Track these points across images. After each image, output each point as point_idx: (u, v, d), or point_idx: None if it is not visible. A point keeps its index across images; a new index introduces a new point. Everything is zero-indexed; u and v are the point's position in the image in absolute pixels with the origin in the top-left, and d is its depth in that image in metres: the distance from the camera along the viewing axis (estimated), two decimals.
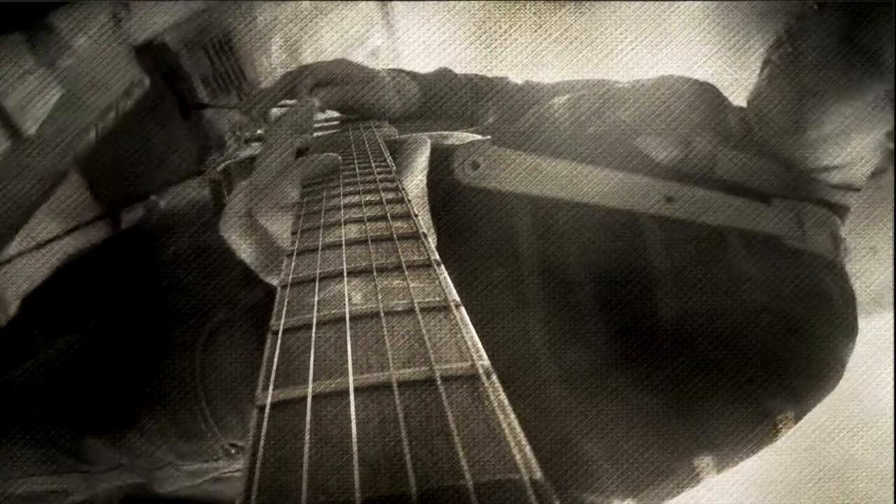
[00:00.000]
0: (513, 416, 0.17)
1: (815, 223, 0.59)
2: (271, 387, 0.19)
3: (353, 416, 0.17)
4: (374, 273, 0.26)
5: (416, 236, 0.30)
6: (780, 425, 0.52)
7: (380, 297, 0.24)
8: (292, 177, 0.40)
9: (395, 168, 0.43)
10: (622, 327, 0.54)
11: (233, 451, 0.70)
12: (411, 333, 0.21)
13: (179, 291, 0.72)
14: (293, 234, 0.33)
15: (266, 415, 0.18)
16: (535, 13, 1.63)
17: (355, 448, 0.16)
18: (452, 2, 1.60)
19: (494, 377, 0.19)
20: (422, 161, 0.44)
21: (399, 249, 0.28)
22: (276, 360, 0.21)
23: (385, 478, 0.15)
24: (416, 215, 0.32)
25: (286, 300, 0.25)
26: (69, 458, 0.69)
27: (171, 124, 1.36)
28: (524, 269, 0.57)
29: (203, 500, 0.80)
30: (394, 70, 0.77)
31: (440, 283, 0.25)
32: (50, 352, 0.73)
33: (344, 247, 0.29)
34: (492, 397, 0.18)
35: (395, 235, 0.30)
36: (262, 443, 0.17)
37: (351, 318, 0.23)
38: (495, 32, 1.62)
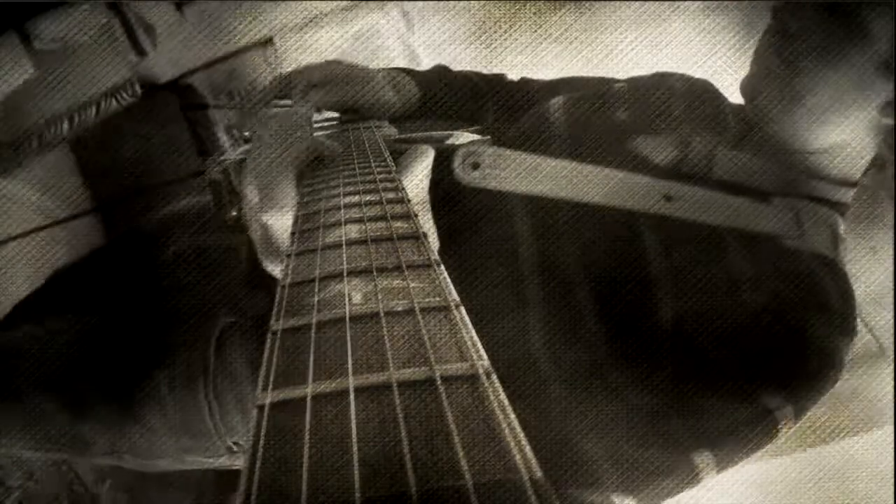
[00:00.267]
0: (513, 416, 0.17)
1: (815, 221, 0.59)
2: (271, 387, 0.19)
3: (353, 417, 0.17)
4: (374, 273, 0.26)
5: (416, 236, 0.30)
6: (780, 424, 0.52)
7: (380, 298, 0.24)
8: (287, 173, 0.40)
9: (395, 168, 0.43)
10: (621, 327, 0.54)
11: (235, 448, 0.70)
12: (411, 333, 0.21)
13: (180, 291, 0.72)
14: (292, 234, 0.33)
15: (266, 415, 0.18)
16: (535, 13, 1.63)
17: (355, 448, 0.16)
18: (452, 2, 1.60)
19: (494, 377, 0.19)
20: (423, 166, 0.44)
21: (399, 250, 0.28)
22: (275, 360, 0.21)
23: (385, 478, 0.15)
24: (415, 215, 0.32)
25: (286, 300, 0.25)
26: (65, 438, 0.69)
27: (170, 124, 1.36)
28: (524, 269, 0.57)
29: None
30: (392, 69, 0.77)
31: (440, 283, 0.25)
32: (40, 330, 0.73)
33: (344, 247, 0.29)
34: (492, 397, 0.18)
35: (394, 236, 0.30)
36: (261, 443, 0.17)
37: (351, 319, 0.23)
38: (495, 32, 1.62)
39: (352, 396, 0.18)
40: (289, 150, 0.42)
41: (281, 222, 0.40)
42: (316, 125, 0.70)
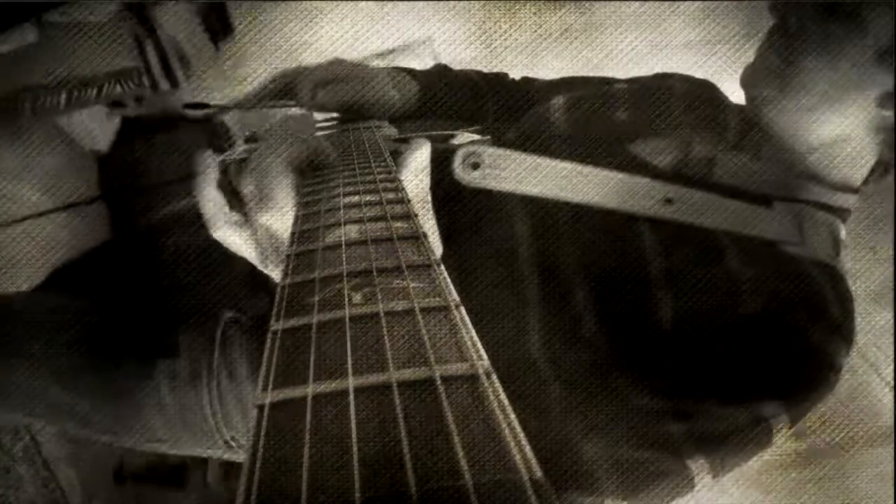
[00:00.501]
0: (513, 416, 0.17)
1: (815, 226, 0.59)
2: (271, 386, 0.19)
3: (353, 417, 0.17)
4: (374, 273, 0.26)
5: (416, 236, 0.30)
6: (775, 430, 0.52)
7: (380, 298, 0.24)
8: (285, 173, 0.40)
9: (395, 168, 0.43)
10: (621, 328, 0.54)
11: (232, 444, 0.70)
12: (411, 334, 0.21)
13: (181, 290, 0.72)
14: (292, 234, 0.33)
15: (266, 414, 0.18)
16: (535, 13, 1.63)
17: (355, 448, 0.16)
18: (452, 2, 1.60)
19: (494, 377, 0.19)
20: (421, 160, 0.44)
21: (399, 250, 0.28)
22: (275, 360, 0.21)
23: (385, 478, 0.15)
24: (415, 215, 0.32)
25: (286, 300, 0.25)
26: (65, 415, 0.69)
27: (172, 123, 1.36)
28: (524, 270, 0.57)
29: None
30: (392, 69, 0.77)
31: (440, 283, 0.25)
32: (41, 310, 0.73)
33: (344, 247, 0.29)
34: (491, 397, 0.18)
35: (395, 236, 0.30)
36: (262, 442, 0.17)
37: (351, 319, 0.23)
38: (495, 32, 1.62)
39: (352, 396, 0.18)
40: (289, 150, 0.42)
41: (280, 223, 0.40)
42: (316, 125, 0.70)
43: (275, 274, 0.43)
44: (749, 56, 0.64)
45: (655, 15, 1.58)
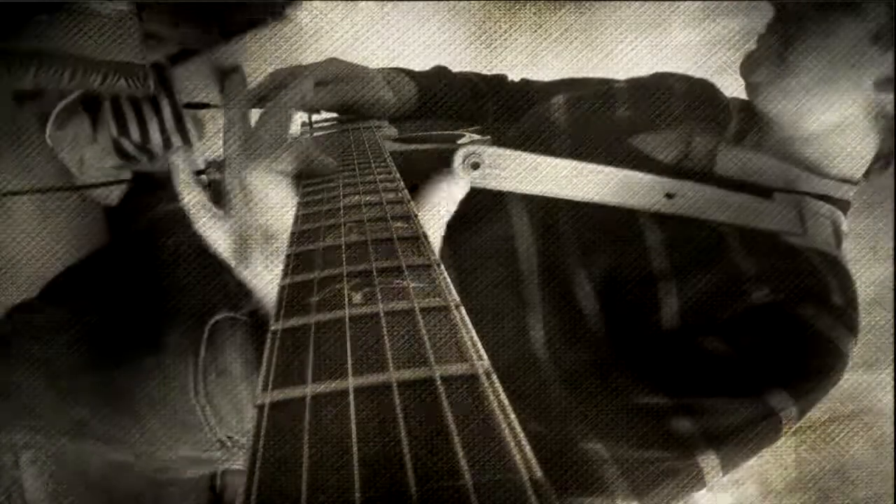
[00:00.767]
0: (513, 416, 0.17)
1: (817, 217, 0.59)
2: (271, 386, 0.19)
3: (352, 417, 0.17)
4: (374, 273, 0.26)
5: (416, 237, 0.30)
6: (784, 422, 0.52)
7: (380, 298, 0.24)
8: (292, 149, 0.40)
9: (394, 168, 0.43)
10: (623, 326, 0.54)
11: (228, 443, 0.70)
12: (411, 334, 0.21)
13: (180, 291, 0.72)
14: (292, 234, 0.33)
15: (266, 414, 0.18)
16: (535, 13, 1.63)
17: (355, 448, 0.16)
18: (452, 1, 1.60)
19: (494, 377, 0.19)
20: (443, 203, 0.43)
21: (399, 250, 0.28)
22: (275, 360, 0.21)
23: (385, 478, 0.15)
24: (415, 215, 0.32)
25: (286, 300, 0.25)
26: (63, 424, 0.69)
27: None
28: (524, 269, 0.57)
29: None
30: (391, 69, 0.76)
31: (440, 283, 0.25)
32: (41, 318, 0.73)
33: (344, 247, 0.29)
34: (491, 397, 0.18)
35: (395, 236, 0.30)
36: (261, 442, 0.17)
37: (351, 319, 0.23)
38: (495, 32, 1.62)
39: (352, 396, 0.18)
40: (285, 152, 0.42)
41: (279, 223, 0.40)
42: (315, 125, 0.70)
43: (249, 276, 0.43)
44: None
45: (655, 15, 1.58)
